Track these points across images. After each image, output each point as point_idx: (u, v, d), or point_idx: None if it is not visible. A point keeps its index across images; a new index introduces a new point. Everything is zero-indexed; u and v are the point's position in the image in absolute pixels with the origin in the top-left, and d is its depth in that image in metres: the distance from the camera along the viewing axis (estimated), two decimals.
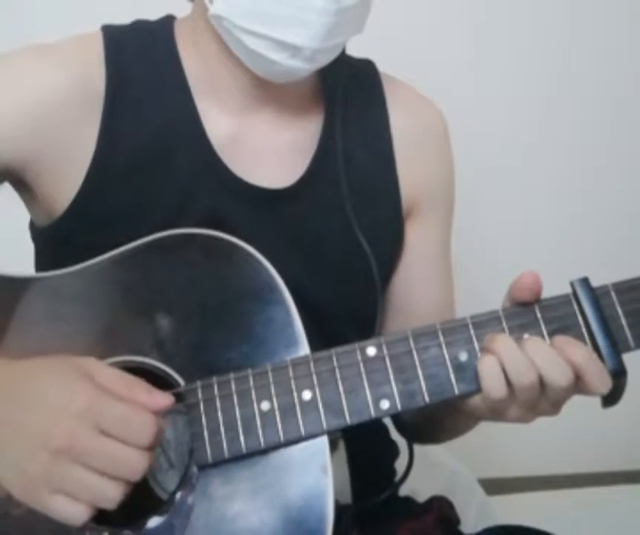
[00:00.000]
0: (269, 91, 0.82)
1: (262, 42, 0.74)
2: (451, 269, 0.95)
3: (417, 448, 0.85)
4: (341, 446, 0.80)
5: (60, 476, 0.59)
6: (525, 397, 0.65)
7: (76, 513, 0.59)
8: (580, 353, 0.64)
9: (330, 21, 0.73)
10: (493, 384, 0.64)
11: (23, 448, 0.60)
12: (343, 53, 0.84)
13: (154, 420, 0.61)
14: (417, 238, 0.90)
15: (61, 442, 0.59)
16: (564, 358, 0.64)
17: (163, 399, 0.63)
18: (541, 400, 0.66)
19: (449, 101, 0.95)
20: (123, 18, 0.86)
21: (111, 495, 0.59)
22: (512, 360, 0.64)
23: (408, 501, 0.92)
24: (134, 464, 0.60)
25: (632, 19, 1.54)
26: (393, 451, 0.95)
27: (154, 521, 0.67)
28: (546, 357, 0.64)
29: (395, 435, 0.92)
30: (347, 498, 0.81)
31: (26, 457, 0.60)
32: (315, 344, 0.69)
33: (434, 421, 0.84)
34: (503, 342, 0.65)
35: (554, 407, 0.66)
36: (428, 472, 0.85)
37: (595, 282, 0.67)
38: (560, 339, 0.65)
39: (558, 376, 0.63)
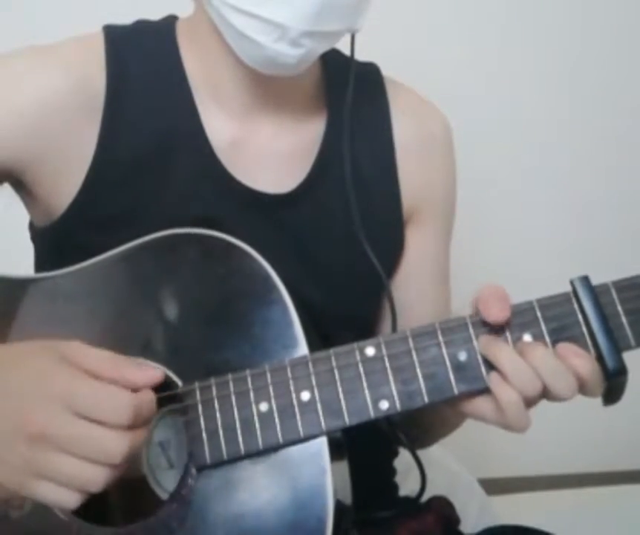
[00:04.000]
0: (269, 92, 0.82)
1: (249, 22, 0.73)
2: (449, 274, 0.95)
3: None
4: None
5: (39, 463, 0.58)
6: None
7: (65, 498, 0.58)
8: (586, 366, 0.64)
9: (317, 2, 0.71)
10: (517, 415, 0.64)
11: (1, 437, 0.59)
12: (348, 56, 0.83)
13: (130, 398, 0.59)
14: (416, 243, 0.90)
15: (35, 428, 0.57)
16: (569, 369, 0.63)
17: (153, 373, 0.62)
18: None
19: (449, 102, 0.94)
20: (125, 18, 0.86)
21: (94, 478, 0.58)
22: (518, 373, 0.63)
23: (408, 501, 0.92)
24: (113, 445, 0.58)
25: (635, 20, 1.54)
26: (392, 451, 0.94)
27: (153, 521, 0.66)
28: (551, 368, 0.63)
29: None
30: (348, 497, 0.81)
31: (4, 446, 0.59)
32: (314, 347, 0.69)
33: (423, 424, 0.84)
34: (508, 356, 0.64)
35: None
36: (428, 472, 0.84)
37: (596, 280, 0.67)
38: (565, 348, 0.65)
39: (563, 388, 0.63)
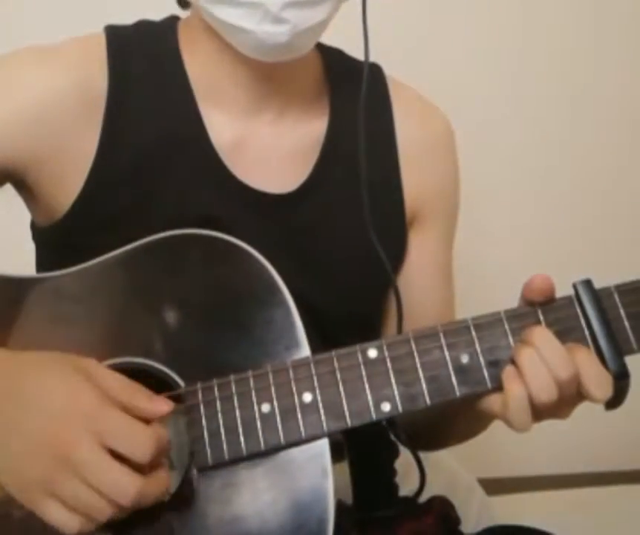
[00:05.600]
0: (270, 91, 0.82)
1: (232, 10, 0.73)
2: (452, 278, 0.94)
3: None
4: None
5: (56, 484, 0.59)
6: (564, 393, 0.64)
7: (69, 522, 0.60)
8: (581, 353, 0.64)
9: None
10: (519, 412, 0.64)
11: (23, 449, 0.60)
12: (351, 57, 0.83)
13: (156, 438, 0.61)
14: (419, 246, 0.90)
15: (63, 450, 0.59)
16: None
17: (164, 405, 0.64)
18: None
19: (450, 102, 0.94)
20: (127, 17, 0.86)
21: (102, 512, 0.59)
22: (553, 352, 0.64)
23: (408, 501, 0.92)
24: (126, 487, 0.59)
25: (634, 21, 1.54)
26: (393, 451, 0.94)
27: (154, 522, 0.66)
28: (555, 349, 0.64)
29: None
30: (348, 497, 0.81)
31: (26, 458, 0.60)
32: (316, 348, 0.69)
33: (446, 424, 0.83)
34: (542, 334, 0.65)
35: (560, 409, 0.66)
36: (428, 472, 0.84)
37: (598, 284, 0.67)
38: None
39: (564, 370, 0.63)
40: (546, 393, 0.63)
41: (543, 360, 0.63)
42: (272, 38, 0.74)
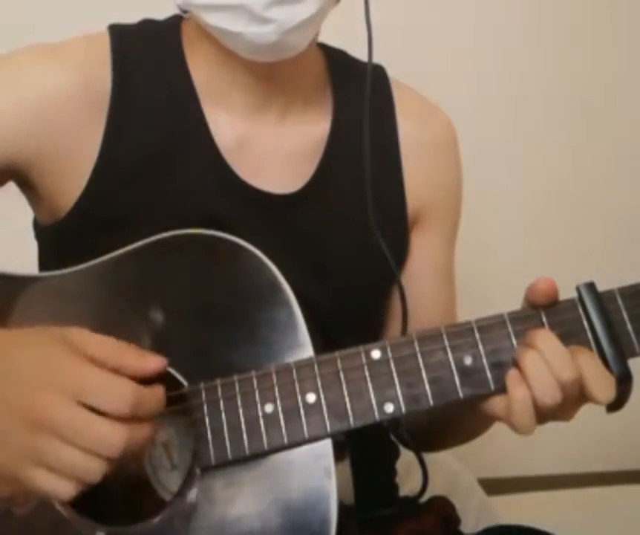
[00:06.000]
0: (272, 91, 0.82)
1: (219, 15, 0.74)
2: (454, 278, 0.95)
3: None
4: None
5: (40, 450, 0.57)
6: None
7: (60, 488, 0.58)
8: (584, 356, 0.64)
9: None
10: (523, 415, 0.64)
11: (3, 420, 0.59)
12: (354, 58, 0.83)
13: (132, 388, 0.59)
14: (421, 247, 0.90)
15: (41, 415, 0.57)
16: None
17: (155, 361, 0.62)
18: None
19: (451, 102, 0.94)
20: (130, 16, 0.86)
21: (91, 470, 0.58)
22: (555, 353, 0.64)
23: (408, 501, 0.92)
24: (111, 439, 0.58)
25: (631, 21, 1.54)
26: (394, 452, 0.95)
27: (155, 522, 0.66)
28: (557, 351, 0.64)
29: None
30: (350, 499, 0.82)
31: (6, 429, 0.59)
32: (319, 349, 0.69)
33: (448, 425, 0.84)
34: (545, 337, 0.65)
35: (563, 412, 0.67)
36: (429, 472, 0.85)
37: (601, 287, 0.67)
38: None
39: (567, 372, 0.64)
40: (549, 396, 0.63)
41: (547, 362, 0.64)
42: (260, 38, 0.74)
